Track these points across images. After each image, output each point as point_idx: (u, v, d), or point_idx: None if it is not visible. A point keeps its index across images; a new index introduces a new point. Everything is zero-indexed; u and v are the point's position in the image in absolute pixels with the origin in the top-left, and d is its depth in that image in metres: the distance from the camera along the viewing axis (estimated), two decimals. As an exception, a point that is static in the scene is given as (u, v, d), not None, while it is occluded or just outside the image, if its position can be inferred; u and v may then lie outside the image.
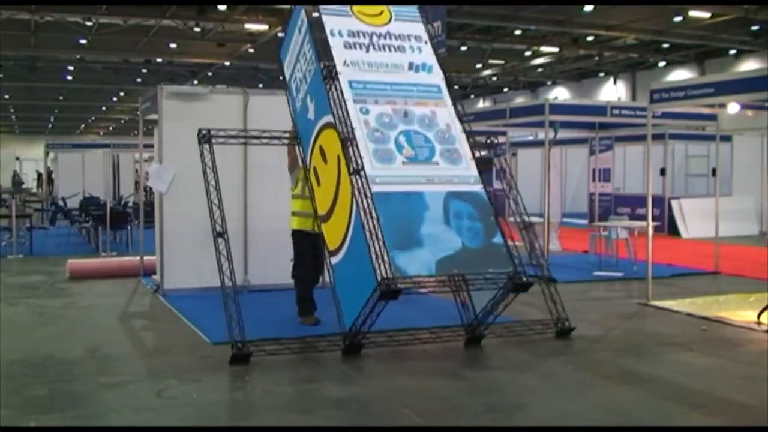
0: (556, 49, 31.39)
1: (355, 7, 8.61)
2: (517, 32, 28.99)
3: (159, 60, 33.97)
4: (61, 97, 47.28)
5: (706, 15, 24.72)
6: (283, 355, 7.57)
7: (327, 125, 8.06)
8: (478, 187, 7.81)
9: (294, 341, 7.83)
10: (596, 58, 33.84)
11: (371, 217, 7.19)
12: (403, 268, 7.01)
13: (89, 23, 25.36)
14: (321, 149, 8.21)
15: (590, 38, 29.87)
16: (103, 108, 54.41)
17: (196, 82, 36.40)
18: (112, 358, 7.73)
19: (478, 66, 36.03)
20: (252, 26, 25.80)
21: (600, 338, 8.73)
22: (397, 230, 7.20)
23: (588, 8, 23.77)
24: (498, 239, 7.60)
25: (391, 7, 8.81)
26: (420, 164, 7.71)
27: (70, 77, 38.84)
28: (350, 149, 7.54)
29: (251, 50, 30.21)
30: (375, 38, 8.43)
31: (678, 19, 25.78)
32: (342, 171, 7.73)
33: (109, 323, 9.41)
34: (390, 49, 8.43)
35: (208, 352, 7.83)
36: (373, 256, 7.05)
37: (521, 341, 8.39)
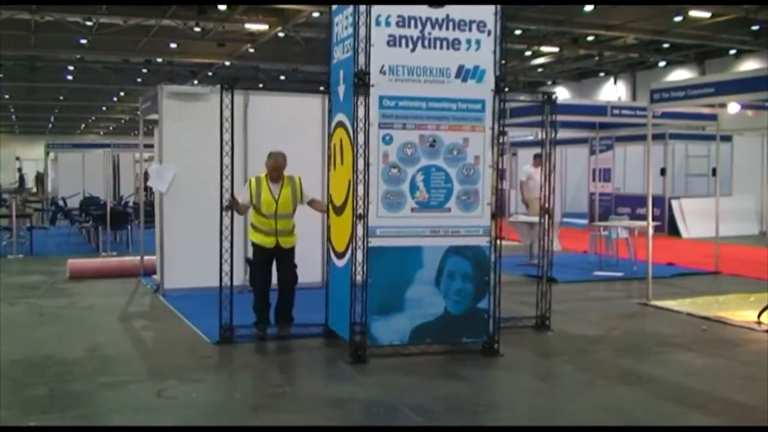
0: (556, 49, 31.40)
1: None
2: (517, 32, 28.99)
3: (159, 60, 33.96)
4: (61, 97, 47.26)
5: (707, 15, 24.72)
6: (284, 355, 7.58)
7: (348, 131, 7.60)
8: (484, 240, 7.57)
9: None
10: (596, 58, 33.83)
11: (361, 273, 7.24)
12: (377, 337, 7.31)
13: (89, 23, 25.37)
14: (341, 142, 7.85)
15: (590, 38, 29.86)
16: (104, 108, 54.39)
17: (196, 82, 36.38)
18: (112, 358, 7.73)
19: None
20: (252, 26, 25.81)
21: (600, 338, 8.74)
22: (382, 292, 7.28)
23: (588, 8, 23.78)
24: (483, 304, 7.59)
25: None
26: (430, 211, 7.42)
27: (70, 77, 38.82)
28: (359, 187, 7.23)
29: (251, 50, 30.22)
30: (428, 27, 7.36)
31: (678, 19, 25.78)
32: (351, 193, 7.47)
33: (110, 323, 9.41)
34: (442, 45, 7.39)
35: (208, 352, 7.84)
36: (352, 315, 7.26)
37: (521, 340, 8.41)
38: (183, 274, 10.83)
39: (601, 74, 38.31)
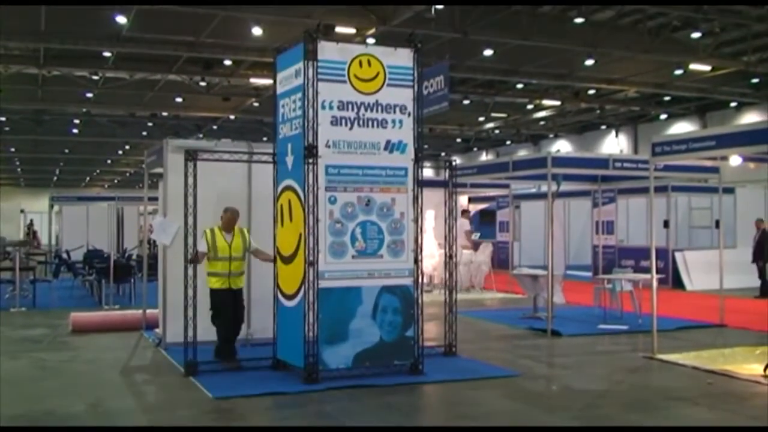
0: (557, 103, 31.67)
1: (353, 70, 9.05)
2: (519, 86, 29.29)
3: (165, 114, 34.26)
4: (66, 150, 47.57)
5: (707, 68, 24.97)
6: (277, 411, 7.53)
7: (297, 193, 9.07)
8: (409, 281, 9.24)
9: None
10: (598, 111, 34.13)
11: (311, 311, 8.69)
12: (327, 362, 8.78)
13: (96, 77, 25.67)
14: (290, 202, 9.29)
15: (592, 91, 30.15)
16: (109, 161, 54.74)
17: (201, 135, 36.69)
18: (114, 413, 7.69)
19: (481, 119, 36.32)
20: (257, 81, 26.09)
21: (606, 392, 8.67)
22: (330, 325, 8.77)
23: (589, 62, 24.05)
24: (410, 332, 9.19)
25: (389, 68, 9.22)
26: (367, 257, 9.04)
27: (76, 130, 39.13)
28: (310, 240, 8.71)
29: (256, 104, 30.53)
30: (362, 111, 9.08)
31: (679, 72, 26.04)
32: (302, 244, 8.88)
33: (112, 377, 9.36)
34: (373, 125, 9.14)
35: (210, 407, 7.78)
36: (306, 345, 8.67)
37: (527, 396, 8.36)
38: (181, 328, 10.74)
39: (603, 127, 38.58)
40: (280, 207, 9.57)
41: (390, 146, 9.20)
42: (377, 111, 9.14)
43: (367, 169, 9.08)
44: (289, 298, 9.26)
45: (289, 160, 9.33)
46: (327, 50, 8.94)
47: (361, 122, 9.07)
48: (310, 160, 8.77)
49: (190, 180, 9.34)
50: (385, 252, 9.12)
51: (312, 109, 8.81)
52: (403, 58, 9.32)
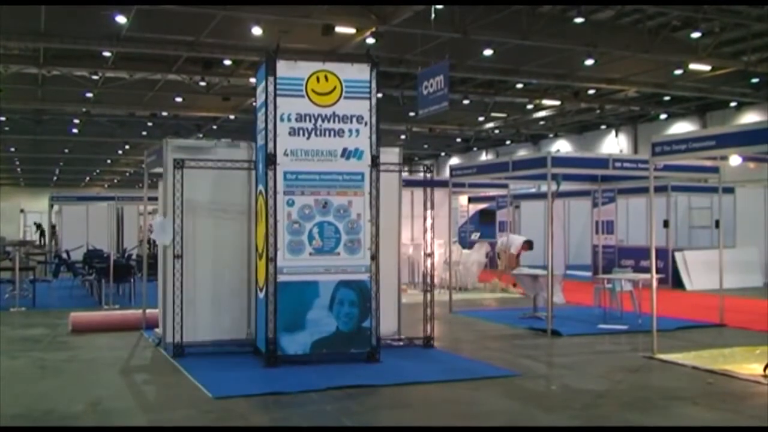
0: (557, 103, 31.66)
1: (311, 85, 9.87)
2: (519, 86, 29.30)
3: (164, 113, 34.24)
4: (66, 150, 47.58)
5: (707, 68, 24.96)
6: (277, 411, 7.53)
7: (265, 197, 9.89)
8: (366, 276, 9.95)
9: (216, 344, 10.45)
10: (598, 111, 34.11)
11: (271, 302, 9.62)
12: (285, 348, 9.67)
13: (95, 77, 25.66)
14: (261, 205, 10.14)
15: (591, 91, 30.14)
16: (108, 161, 54.72)
17: (201, 135, 36.69)
18: (114, 412, 7.68)
19: (481, 119, 36.33)
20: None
21: (606, 392, 8.66)
22: (288, 315, 9.66)
23: (589, 62, 24.05)
24: (367, 323, 9.93)
25: (346, 82, 9.97)
26: (324, 255, 9.84)
27: (75, 130, 39.11)
28: (270, 238, 9.65)
29: (255, 104, 30.48)
30: (320, 122, 9.88)
31: (678, 72, 26.03)
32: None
33: (111, 377, 9.35)
34: (330, 134, 9.92)
35: (210, 407, 7.78)
36: (266, 333, 9.63)
37: (526, 395, 8.36)
38: (184, 328, 10.75)
39: (603, 127, 38.59)
40: (258, 208, 10.42)
41: (347, 153, 9.94)
42: (334, 122, 9.91)
43: (324, 175, 9.88)
44: (260, 290, 10.10)
45: (261, 165, 10.18)
46: (285, 68, 9.83)
47: (318, 132, 9.86)
48: (270, 167, 9.68)
49: (178, 186, 10.31)
50: (342, 250, 9.90)
51: (271, 122, 9.72)
52: (360, 72, 10.04)
